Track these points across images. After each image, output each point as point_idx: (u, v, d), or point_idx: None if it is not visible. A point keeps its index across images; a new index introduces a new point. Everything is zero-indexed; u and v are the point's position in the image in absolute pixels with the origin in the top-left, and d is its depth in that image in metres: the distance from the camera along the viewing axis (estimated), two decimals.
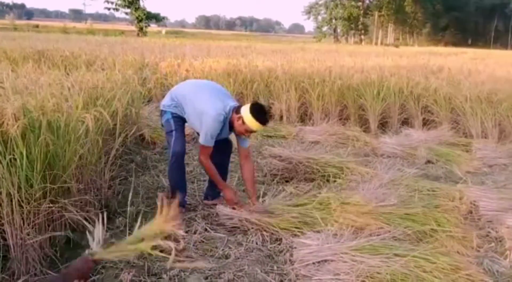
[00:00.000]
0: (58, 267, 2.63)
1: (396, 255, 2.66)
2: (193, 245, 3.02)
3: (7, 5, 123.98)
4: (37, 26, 49.00)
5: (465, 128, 6.53)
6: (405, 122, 7.14)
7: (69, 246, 2.90)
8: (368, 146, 5.84)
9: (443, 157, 5.26)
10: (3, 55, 9.45)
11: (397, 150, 5.49)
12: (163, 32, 51.83)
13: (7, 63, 6.66)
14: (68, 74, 4.80)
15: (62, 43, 13.62)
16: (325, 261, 2.70)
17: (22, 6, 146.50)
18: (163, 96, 3.86)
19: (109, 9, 40.35)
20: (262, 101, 7.55)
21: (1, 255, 2.60)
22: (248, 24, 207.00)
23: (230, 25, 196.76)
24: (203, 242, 3.10)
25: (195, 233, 3.19)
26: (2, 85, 3.28)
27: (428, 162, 5.23)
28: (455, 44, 55.28)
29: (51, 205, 2.68)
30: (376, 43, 55.42)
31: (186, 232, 3.21)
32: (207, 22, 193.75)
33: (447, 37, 66.32)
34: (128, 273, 2.58)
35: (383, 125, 7.17)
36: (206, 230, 3.26)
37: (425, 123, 6.92)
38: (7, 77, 3.67)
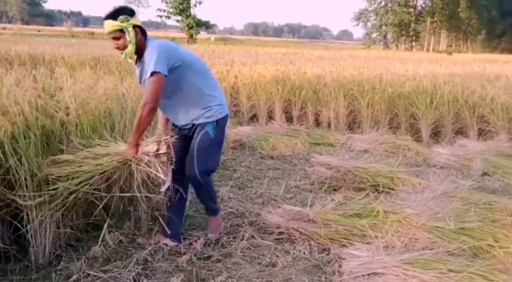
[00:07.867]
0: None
1: (450, 270, 2.55)
2: (240, 252, 3.01)
3: (65, 13, 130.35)
4: (92, 33, 50.93)
5: None
6: (459, 132, 6.87)
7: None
8: (420, 155, 5.67)
9: (501, 169, 5.02)
10: (61, 61, 9.87)
11: (451, 160, 5.29)
12: (212, 39, 52.73)
13: (65, 69, 6.93)
14: (122, 80, 4.94)
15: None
16: (375, 273, 2.62)
17: (79, 13, 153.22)
18: None
19: (161, 16, 41.41)
20: (310, 108, 7.52)
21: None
22: (296, 31, 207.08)
23: (278, 32, 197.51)
24: (250, 249, 3.09)
25: (242, 239, 3.19)
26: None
27: (484, 174, 5.00)
28: None
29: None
30: (428, 50, 53.96)
31: (234, 238, 3.22)
32: (255, 29, 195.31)
33: (503, 44, 63.50)
34: (177, 278, 2.61)
35: (436, 135, 6.94)
36: (253, 236, 3.25)
37: (481, 133, 6.65)
38: (65, 82, 3.82)
